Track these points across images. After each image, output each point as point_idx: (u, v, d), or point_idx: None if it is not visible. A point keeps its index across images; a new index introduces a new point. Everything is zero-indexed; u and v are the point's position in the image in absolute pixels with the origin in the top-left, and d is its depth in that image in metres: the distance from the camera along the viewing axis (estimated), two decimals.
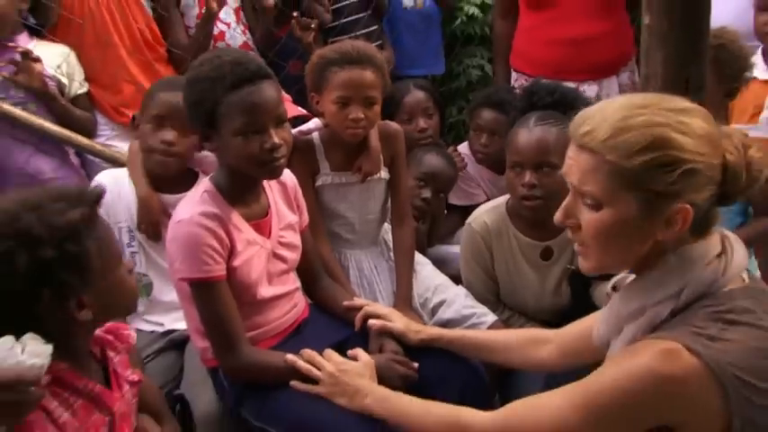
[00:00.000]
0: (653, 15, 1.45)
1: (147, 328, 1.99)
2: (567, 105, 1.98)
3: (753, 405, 1.01)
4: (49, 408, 1.18)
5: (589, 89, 2.66)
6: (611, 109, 1.10)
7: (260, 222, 1.68)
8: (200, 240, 1.54)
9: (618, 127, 1.06)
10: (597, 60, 2.67)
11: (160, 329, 2.00)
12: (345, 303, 1.82)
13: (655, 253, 1.13)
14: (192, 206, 1.59)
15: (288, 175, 1.79)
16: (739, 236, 1.80)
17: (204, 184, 1.65)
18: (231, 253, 1.59)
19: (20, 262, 1.11)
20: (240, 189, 1.65)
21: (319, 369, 1.53)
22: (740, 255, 1.14)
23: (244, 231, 1.63)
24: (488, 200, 2.44)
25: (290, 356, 1.58)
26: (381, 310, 1.80)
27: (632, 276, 1.22)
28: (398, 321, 1.74)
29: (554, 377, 1.58)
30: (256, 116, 1.54)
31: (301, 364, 1.56)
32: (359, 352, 1.62)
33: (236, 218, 1.62)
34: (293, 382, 1.55)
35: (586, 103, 2.04)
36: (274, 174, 1.65)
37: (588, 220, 1.13)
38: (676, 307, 1.09)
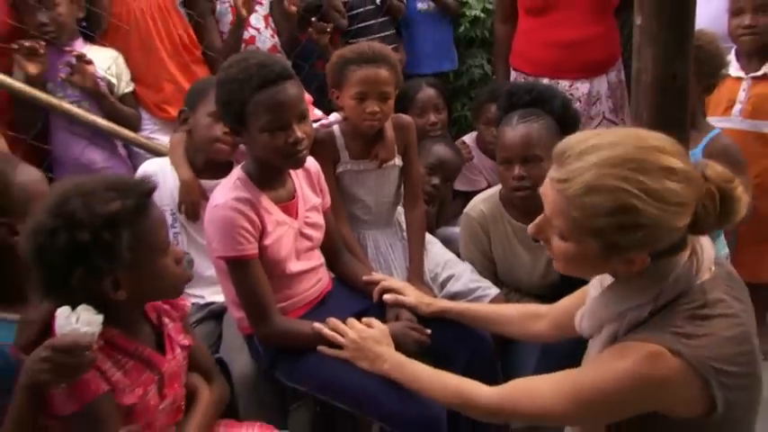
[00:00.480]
0: (644, 17, 1.44)
1: (188, 300, 2.00)
2: (545, 102, 2.00)
3: (729, 388, 1.02)
4: (102, 368, 1.19)
5: (582, 86, 2.66)
6: (588, 162, 1.03)
7: (287, 205, 1.68)
8: (234, 223, 1.54)
9: (589, 186, 1.02)
10: (589, 61, 2.65)
11: (201, 301, 2.02)
12: (365, 278, 1.82)
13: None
14: (226, 192, 1.59)
15: (311, 162, 1.78)
16: None
17: (236, 172, 1.65)
18: (262, 233, 1.60)
19: (60, 240, 1.11)
20: (268, 176, 1.65)
21: (343, 336, 1.54)
22: (708, 250, 1.13)
23: (273, 213, 1.63)
24: (489, 186, 2.44)
25: (316, 325, 1.58)
26: (396, 284, 1.80)
27: (594, 285, 1.23)
28: (411, 295, 1.74)
29: (549, 346, 1.61)
30: (280, 114, 1.53)
31: (327, 331, 1.56)
32: (372, 321, 1.61)
33: (266, 201, 1.62)
34: (320, 348, 1.56)
35: (562, 100, 2.07)
36: (298, 164, 1.66)
37: (555, 245, 1.13)
38: (654, 309, 1.08)
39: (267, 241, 1.60)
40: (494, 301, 2.02)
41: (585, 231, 1.05)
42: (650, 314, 1.08)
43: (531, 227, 1.18)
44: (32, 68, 2.12)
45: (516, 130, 1.93)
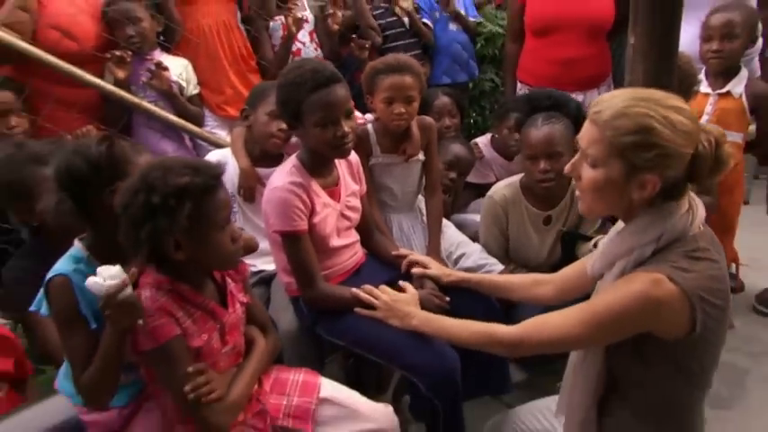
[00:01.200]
0: (637, 37, 1.44)
1: (250, 269, 2.02)
2: (561, 106, 2.00)
3: (708, 315, 1.07)
4: (176, 315, 1.22)
5: (577, 98, 2.60)
6: (619, 98, 1.12)
7: (332, 190, 1.69)
8: (289, 202, 1.55)
9: (618, 112, 1.09)
10: (583, 77, 2.64)
11: (254, 269, 2.01)
12: (394, 252, 1.82)
13: (635, 207, 1.14)
14: (283, 177, 1.60)
15: (352, 154, 1.78)
16: None
17: (292, 160, 1.66)
18: (312, 212, 1.60)
19: (138, 199, 1.14)
20: (318, 165, 1.65)
21: (377, 299, 1.55)
22: (701, 211, 1.16)
23: (321, 196, 1.64)
24: (497, 180, 2.42)
25: (354, 290, 1.59)
26: (421, 258, 1.80)
27: (608, 236, 1.25)
28: (434, 267, 1.74)
29: (550, 308, 1.61)
30: (331, 111, 1.54)
31: (363, 295, 1.57)
32: (407, 285, 1.61)
33: (315, 186, 1.63)
34: (357, 309, 1.57)
35: (575, 103, 2.09)
36: (344, 154, 1.66)
37: (587, 175, 1.16)
38: (657, 248, 1.11)
39: (315, 219, 1.61)
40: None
41: (614, 152, 1.10)
42: (653, 253, 1.11)
43: (567, 166, 1.22)
44: (120, 74, 2.16)
45: (541, 130, 1.93)
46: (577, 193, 1.22)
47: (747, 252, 2.60)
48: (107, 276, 1.12)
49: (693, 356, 1.12)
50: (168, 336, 1.20)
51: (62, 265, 1.26)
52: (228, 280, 1.38)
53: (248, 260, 1.99)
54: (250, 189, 2.02)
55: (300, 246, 1.59)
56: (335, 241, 1.69)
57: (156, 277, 1.24)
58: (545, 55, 2.65)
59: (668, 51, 1.43)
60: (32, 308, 1.29)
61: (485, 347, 1.30)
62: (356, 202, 1.77)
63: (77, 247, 1.30)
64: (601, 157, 1.12)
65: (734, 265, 2.58)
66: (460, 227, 2.31)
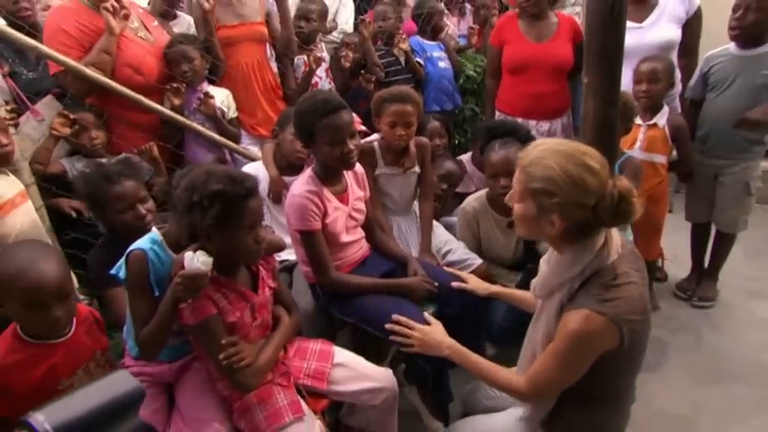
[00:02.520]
0: (589, 77, 1.48)
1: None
2: (514, 133, 2.05)
3: (633, 330, 1.08)
4: (213, 297, 1.27)
5: (544, 125, 2.69)
6: (541, 148, 1.12)
7: (342, 195, 1.71)
8: (305, 206, 1.58)
9: (533, 161, 1.11)
10: (549, 108, 2.68)
11: (279, 259, 2.00)
12: (455, 285, 1.71)
13: (555, 239, 1.15)
14: (301, 185, 1.62)
15: (358, 166, 1.80)
16: None
17: (308, 171, 1.68)
18: (324, 214, 1.63)
19: (186, 195, 1.19)
20: (329, 175, 1.67)
21: (410, 335, 1.44)
22: (615, 238, 1.16)
23: (332, 201, 1.66)
24: (477, 189, 2.45)
25: (390, 323, 1.47)
26: (464, 275, 1.76)
27: (543, 260, 1.27)
28: (472, 282, 1.70)
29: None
30: (338, 133, 1.56)
31: (398, 328, 1.47)
32: (431, 318, 1.51)
33: (327, 193, 1.65)
34: (392, 338, 1.47)
35: (525, 130, 2.15)
36: (350, 167, 1.69)
37: (515, 209, 1.18)
38: (582, 280, 1.13)
39: (327, 220, 1.63)
40: (477, 268, 2.04)
41: (527, 193, 1.11)
42: (580, 285, 1.13)
43: (507, 196, 1.22)
44: (176, 101, 2.19)
45: (499, 153, 1.97)
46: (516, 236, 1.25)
47: (670, 250, 2.69)
48: (201, 261, 1.17)
49: (624, 364, 1.15)
50: (207, 314, 1.25)
51: (142, 243, 1.31)
52: (261, 269, 1.42)
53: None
54: (278, 193, 2.06)
55: (315, 242, 1.61)
56: (345, 237, 1.72)
57: None
58: (519, 90, 2.69)
59: (613, 90, 1.48)
60: (113, 271, 1.32)
61: (504, 392, 1.28)
62: (361, 206, 1.79)
63: (155, 232, 1.35)
64: (520, 195, 1.15)
65: (660, 260, 2.65)
66: (447, 227, 2.33)
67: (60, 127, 1.98)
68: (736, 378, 2.10)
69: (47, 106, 2.07)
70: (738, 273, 2.75)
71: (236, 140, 2.43)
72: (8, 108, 1.83)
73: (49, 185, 1.98)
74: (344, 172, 1.75)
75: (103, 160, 1.92)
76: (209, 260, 1.19)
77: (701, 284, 2.65)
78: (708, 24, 2.50)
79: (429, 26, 2.93)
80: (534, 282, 1.27)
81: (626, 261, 1.14)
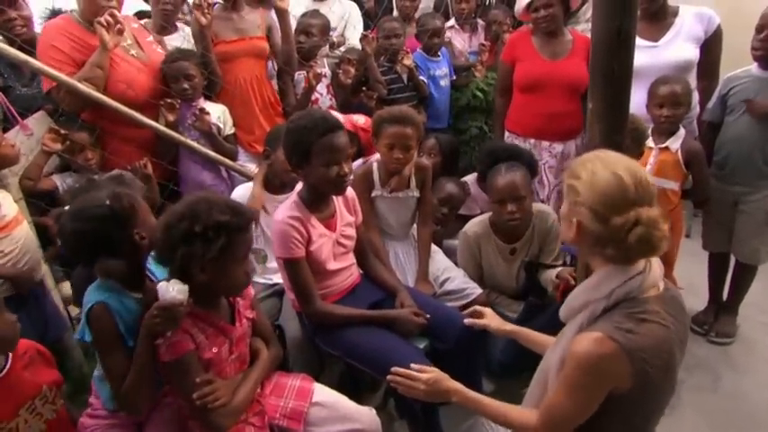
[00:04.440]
0: (595, 101, 1.40)
1: (262, 281, 2.01)
2: (518, 156, 1.99)
3: (648, 374, 1.00)
4: (191, 332, 1.22)
5: (558, 147, 2.58)
6: (598, 152, 1.13)
7: (329, 221, 1.65)
8: (287, 233, 1.53)
9: (584, 160, 1.10)
10: (563, 129, 2.57)
11: (270, 282, 2.01)
12: (467, 322, 1.50)
13: (592, 254, 1.09)
14: (285, 211, 1.58)
15: (348, 190, 1.74)
16: None
17: (293, 196, 1.63)
18: (308, 241, 1.57)
19: (182, 225, 1.14)
20: (316, 200, 1.62)
21: (416, 386, 1.30)
22: (656, 272, 1.08)
23: (317, 228, 1.60)
24: (481, 212, 2.39)
25: (391, 375, 1.31)
26: (484, 311, 1.55)
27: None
28: (488, 316, 1.53)
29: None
30: (336, 153, 1.51)
31: (399, 379, 1.31)
32: (425, 367, 1.32)
33: (313, 219, 1.60)
34: (400, 390, 1.32)
35: (529, 154, 2.10)
36: (341, 192, 1.63)
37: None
38: (607, 305, 1.05)
39: (312, 248, 1.58)
40: (477, 297, 1.97)
41: (567, 188, 1.10)
42: (604, 310, 1.05)
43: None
44: (170, 117, 2.17)
45: (505, 177, 1.90)
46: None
47: (686, 278, 2.52)
48: (177, 289, 1.14)
49: (636, 410, 1.05)
50: (184, 351, 1.20)
51: (97, 295, 1.23)
52: (239, 299, 1.36)
53: (267, 275, 2.02)
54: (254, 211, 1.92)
55: (298, 270, 1.56)
56: (332, 265, 1.66)
57: None
58: (531, 109, 2.60)
59: (620, 115, 1.39)
60: (76, 336, 1.26)
61: None
62: (351, 231, 1.74)
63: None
64: (566, 191, 1.12)
65: None
66: (450, 252, 2.26)
67: (51, 143, 1.97)
68: (757, 425, 1.95)
69: (37, 122, 2.06)
70: (760, 307, 2.59)
71: (233, 157, 2.39)
72: None
73: (39, 201, 1.96)
74: (333, 197, 1.69)
75: (95, 177, 1.88)
76: (185, 288, 1.15)
77: (719, 319, 2.50)
78: (732, 42, 2.38)
79: (432, 43, 2.87)
80: (562, 309, 1.21)
81: (663, 303, 1.07)
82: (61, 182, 2.04)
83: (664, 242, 1.02)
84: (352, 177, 1.76)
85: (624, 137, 1.40)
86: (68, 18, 2.09)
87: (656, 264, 1.10)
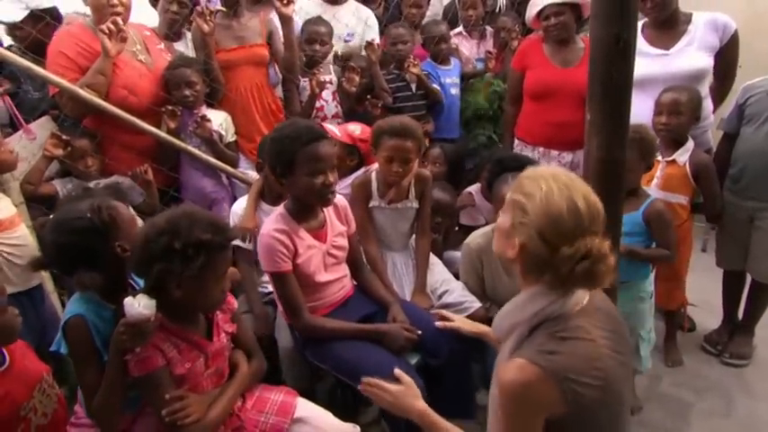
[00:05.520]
0: (592, 112, 1.36)
1: (261, 290, 1.98)
2: (526, 166, 1.90)
3: (579, 394, 0.94)
4: (161, 347, 1.20)
5: (567, 156, 2.53)
6: (547, 168, 1.09)
7: (318, 232, 1.63)
8: (273, 247, 1.51)
9: (532, 175, 1.05)
10: (572, 138, 2.49)
11: (266, 290, 1.97)
12: (439, 325, 1.57)
13: (522, 270, 1.05)
14: (270, 224, 1.56)
15: (340, 199, 1.71)
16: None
17: (279, 209, 1.61)
18: (295, 254, 1.55)
19: (162, 240, 1.12)
20: (304, 212, 1.60)
21: (383, 396, 1.31)
22: (577, 295, 1.03)
23: (305, 239, 1.58)
24: (487, 223, 2.34)
25: (363, 383, 1.32)
26: (449, 315, 1.64)
27: None
28: (462, 323, 1.60)
29: None
30: (321, 163, 1.49)
31: (371, 390, 1.32)
32: (404, 377, 1.33)
33: (300, 231, 1.57)
34: (366, 393, 1.33)
35: (536, 162, 2.05)
36: (326, 204, 1.60)
37: (499, 214, 1.14)
38: (531, 326, 1.01)
39: (299, 260, 1.56)
40: (475, 312, 1.91)
41: (510, 203, 1.07)
42: (529, 331, 1.02)
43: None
44: (172, 124, 2.17)
45: (510, 187, 1.85)
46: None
47: (700, 295, 2.45)
48: (143, 305, 1.12)
49: (583, 429, 0.99)
50: (153, 367, 1.18)
51: (75, 307, 1.23)
52: (218, 313, 1.34)
53: (265, 283, 1.98)
54: (244, 231, 1.93)
55: (285, 283, 1.54)
56: (322, 277, 1.63)
57: None
58: (541, 118, 2.55)
59: (619, 128, 1.34)
60: (53, 348, 1.26)
61: None
62: (343, 242, 1.71)
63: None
64: (506, 205, 1.09)
65: (683, 309, 2.43)
66: (450, 264, 2.21)
67: (53, 148, 1.99)
68: None
69: (41, 127, 2.09)
70: None
71: (234, 164, 2.39)
72: None
73: (40, 206, 1.98)
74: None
75: (91, 184, 1.89)
76: (152, 303, 1.13)
77: (733, 339, 2.39)
78: (756, 47, 2.27)
79: (439, 50, 2.82)
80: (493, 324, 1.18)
81: (589, 316, 1.02)
82: (62, 187, 2.06)
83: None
84: (350, 185, 1.74)
85: (624, 150, 1.35)
86: (81, 24, 2.13)
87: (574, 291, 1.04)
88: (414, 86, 2.75)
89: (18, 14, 2.12)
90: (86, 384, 1.21)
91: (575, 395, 0.93)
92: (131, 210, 1.40)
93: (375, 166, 2.02)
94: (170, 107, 2.17)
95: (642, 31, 2.34)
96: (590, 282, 0.97)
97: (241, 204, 2.02)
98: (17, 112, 2.03)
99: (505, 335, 1.08)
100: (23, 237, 1.77)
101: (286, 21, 2.37)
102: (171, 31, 2.42)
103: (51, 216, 1.26)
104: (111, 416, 1.22)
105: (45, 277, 1.95)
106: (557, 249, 0.96)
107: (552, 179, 1.01)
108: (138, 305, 1.11)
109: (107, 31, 1.96)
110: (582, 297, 1.03)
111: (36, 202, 1.98)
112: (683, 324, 2.47)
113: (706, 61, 2.24)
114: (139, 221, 1.51)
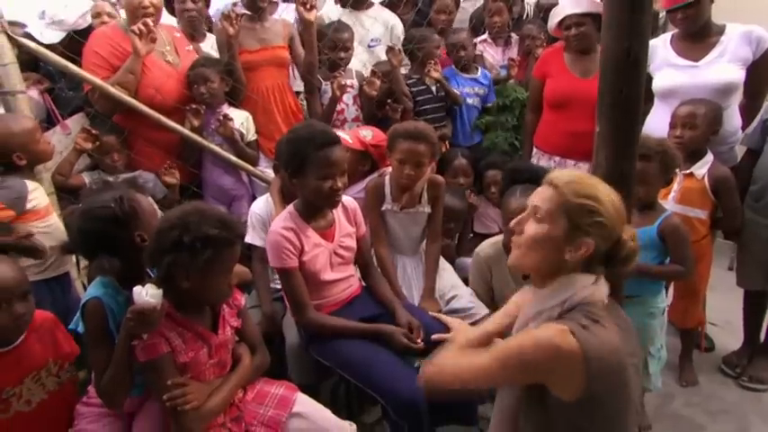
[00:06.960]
0: (601, 124, 1.35)
1: (274, 286, 2.01)
2: (538, 179, 1.89)
3: (603, 380, 0.97)
4: (167, 335, 1.24)
5: (584, 166, 2.47)
6: (575, 171, 1.19)
7: (325, 232, 1.66)
8: (280, 244, 1.55)
9: (573, 179, 1.08)
10: (590, 149, 2.42)
11: (277, 287, 1.97)
12: (435, 338, 1.54)
13: (560, 270, 1.07)
14: (279, 222, 1.60)
15: (350, 201, 1.75)
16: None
17: (289, 207, 1.65)
18: (301, 251, 1.58)
19: (173, 233, 1.17)
20: (312, 211, 1.64)
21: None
22: (604, 288, 1.08)
23: (312, 238, 1.61)
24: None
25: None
26: (450, 320, 1.64)
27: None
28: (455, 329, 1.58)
29: None
30: (332, 167, 1.53)
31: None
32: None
33: (308, 230, 1.61)
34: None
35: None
36: (333, 207, 1.64)
37: (530, 229, 1.09)
38: (562, 311, 1.04)
39: (305, 258, 1.59)
40: (482, 318, 1.89)
41: (562, 210, 1.05)
42: (559, 315, 1.05)
43: (514, 221, 1.14)
44: (195, 122, 2.25)
45: (519, 200, 1.82)
46: (512, 245, 1.14)
47: (722, 314, 2.37)
48: (150, 294, 1.17)
49: (590, 421, 1.00)
50: (157, 353, 1.23)
51: (95, 290, 1.31)
52: (225, 307, 1.38)
53: (276, 279, 2.02)
54: None
55: (291, 279, 1.58)
56: (328, 275, 1.66)
57: None
58: (559, 127, 2.54)
59: (629, 141, 1.33)
60: (71, 326, 1.34)
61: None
62: (351, 242, 1.73)
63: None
64: (549, 214, 1.07)
65: (700, 329, 2.38)
66: (461, 269, 2.22)
67: (83, 142, 2.09)
68: None
69: (76, 122, 2.21)
70: None
71: (254, 163, 2.45)
72: None
73: (69, 196, 2.08)
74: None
75: (110, 178, 1.99)
76: (159, 292, 1.18)
77: (752, 362, 2.31)
78: None
79: (459, 57, 2.83)
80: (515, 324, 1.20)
81: (610, 313, 1.07)
82: (90, 179, 2.17)
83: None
84: (364, 190, 1.76)
85: (633, 164, 1.33)
86: (115, 25, 2.25)
87: (603, 281, 1.10)
88: (434, 89, 2.76)
89: (57, 37, 2.23)
90: (97, 364, 1.28)
91: (600, 378, 0.96)
92: (153, 203, 1.47)
93: (389, 168, 2.05)
94: (194, 106, 2.25)
95: (672, 41, 2.30)
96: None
97: (260, 204, 2.07)
98: (54, 108, 2.14)
99: (523, 326, 1.11)
100: (56, 224, 1.87)
101: (308, 26, 2.42)
102: (194, 31, 2.50)
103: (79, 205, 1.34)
104: (116, 394, 1.28)
105: (71, 264, 2.06)
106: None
107: (593, 179, 1.11)
108: (146, 294, 1.16)
109: (138, 32, 2.06)
110: (604, 294, 1.08)
111: (65, 193, 2.09)
112: (699, 343, 2.41)
113: (737, 74, 2.17)
114: (160, 215, 1.59)
